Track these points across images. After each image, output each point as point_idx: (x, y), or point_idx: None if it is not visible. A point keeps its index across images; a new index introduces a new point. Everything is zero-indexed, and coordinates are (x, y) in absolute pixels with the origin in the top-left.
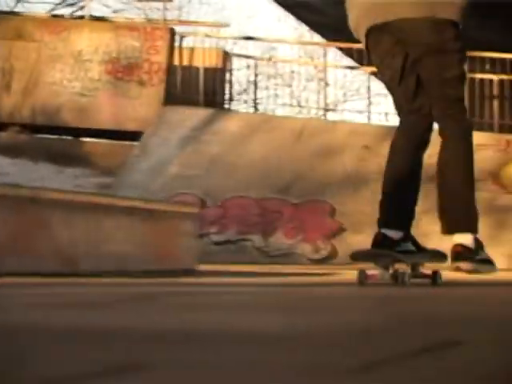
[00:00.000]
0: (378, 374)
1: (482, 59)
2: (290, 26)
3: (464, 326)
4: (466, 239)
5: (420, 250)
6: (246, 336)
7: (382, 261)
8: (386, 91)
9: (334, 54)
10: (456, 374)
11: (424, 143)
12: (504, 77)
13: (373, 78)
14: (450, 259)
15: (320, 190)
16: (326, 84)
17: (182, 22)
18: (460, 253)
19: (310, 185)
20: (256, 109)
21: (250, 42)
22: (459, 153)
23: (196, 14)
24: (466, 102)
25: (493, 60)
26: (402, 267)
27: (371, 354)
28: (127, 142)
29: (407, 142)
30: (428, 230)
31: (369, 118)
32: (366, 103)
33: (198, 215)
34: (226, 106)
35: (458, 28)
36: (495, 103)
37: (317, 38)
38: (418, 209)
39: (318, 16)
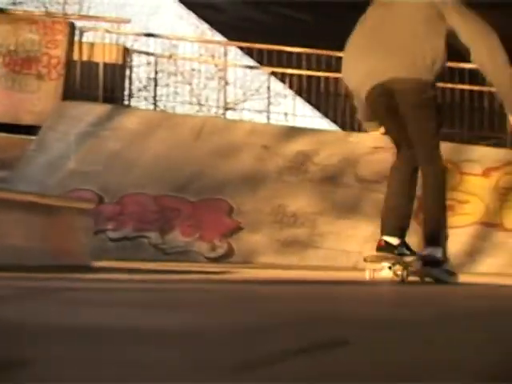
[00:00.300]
0: (260, 372)
1: None
2: (191, 24)
3: (359, 326)
4: (436, 252)
5: (412, 253)
6: (134, 333)
7: (387, 262)
8: (285, 92)
9: (235, 53)
10: (333, 375)
11: (417, 170)
12: None
13: (273, 78)
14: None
15: (219, 189)
16: (226, 83)
17: (82, 17)
18: (429, 262)
19: (209, 183)
20: (156, 106)
21: (151, 39)
22: (434, 189)
23: (96, 9)
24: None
25: None
26: (400, 268)
27: (255, 353)
28: (24, 136)
29: (405, 169)
30: (324, 230)
31: (268, 118)
32: (265, 103)
33: (94, 211)
34: (126, 102)
35: (435, 87)
36: None
37: (218, 36)
38: (314, 210)
39: (219, 15)
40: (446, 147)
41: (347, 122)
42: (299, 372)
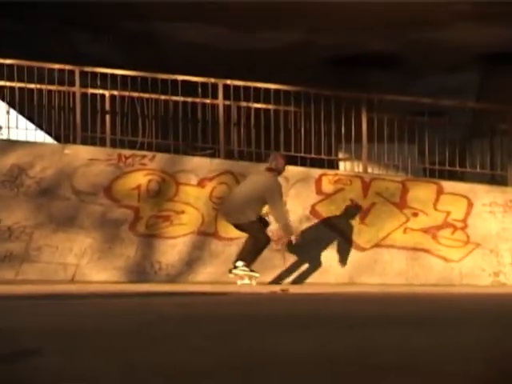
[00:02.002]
0: None
1: (94, 74)
2: None
3: (54, 337)
4: (239, 263)
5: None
6: None
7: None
8: None
9: None
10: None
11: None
12: (115, 92)
13: None
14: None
15: None
16: None
17: None
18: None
19: None
20: None
21: None
22: (254, 247)
23: None
24: (79, 119)
25: (104, 75)
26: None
27: None
28: None
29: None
30: (41, 243)
31: None
32: None
33: None
34: None
35: (256, 218)
36: (107, 118)
37: None
38: (30, 223)
39: None
40: (161, 158)
41: (62, 134)
42: None
